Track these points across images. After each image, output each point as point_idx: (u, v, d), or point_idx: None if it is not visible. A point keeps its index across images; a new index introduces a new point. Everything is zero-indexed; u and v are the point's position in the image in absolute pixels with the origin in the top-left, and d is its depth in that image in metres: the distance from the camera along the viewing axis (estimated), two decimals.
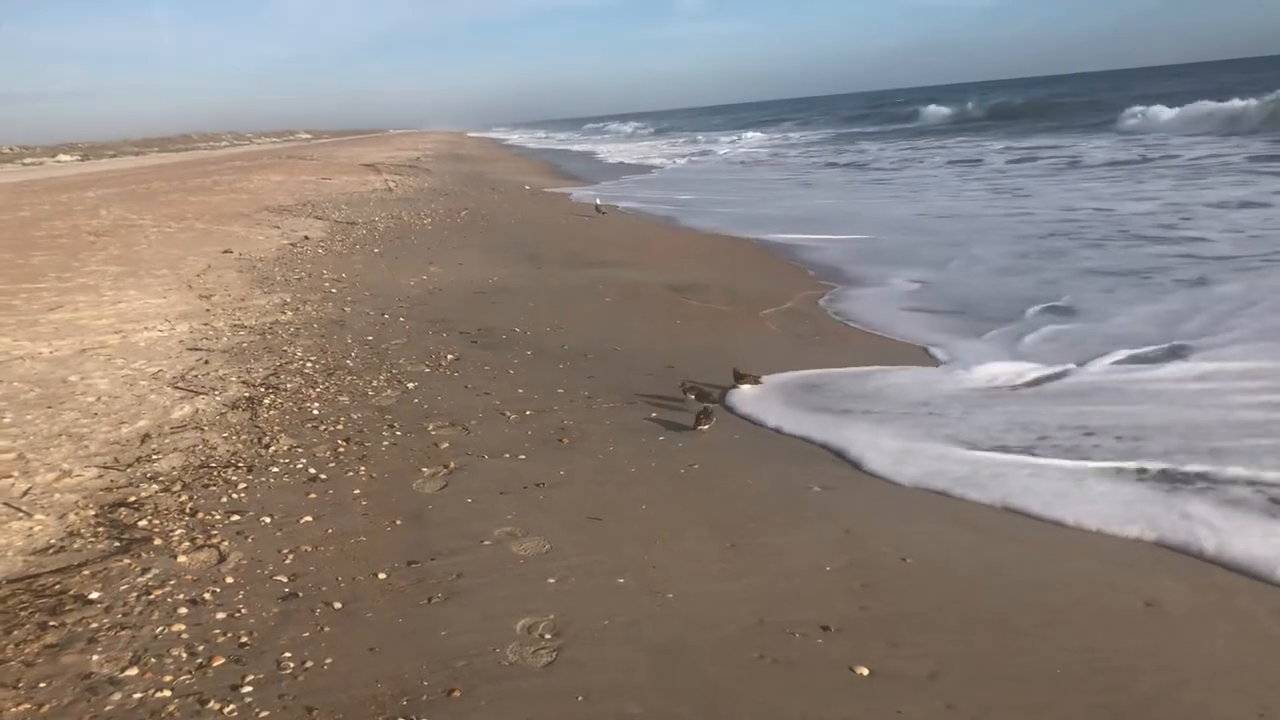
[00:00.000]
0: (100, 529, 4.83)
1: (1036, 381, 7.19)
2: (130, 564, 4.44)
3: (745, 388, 7.06)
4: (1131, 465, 5.45)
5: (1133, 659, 3.59)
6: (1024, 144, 35.48)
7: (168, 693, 3.45)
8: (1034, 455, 5.67)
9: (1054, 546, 4.58)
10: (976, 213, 18.06)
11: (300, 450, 5.96)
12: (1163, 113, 38.49)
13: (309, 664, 3.63)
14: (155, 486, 5.38)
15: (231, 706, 3.37)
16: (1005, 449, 5.79)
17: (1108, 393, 6.80)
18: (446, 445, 6.07)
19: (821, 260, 13.45)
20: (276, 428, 6.36)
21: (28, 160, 56.81)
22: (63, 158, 59.91)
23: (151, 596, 4.14)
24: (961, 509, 5.04)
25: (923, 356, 8.22)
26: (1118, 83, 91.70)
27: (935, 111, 62.21)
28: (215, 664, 3.63)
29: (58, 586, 4.24)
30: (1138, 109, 40.31)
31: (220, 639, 3.82)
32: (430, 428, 6.40)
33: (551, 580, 4.27)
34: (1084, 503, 4.97)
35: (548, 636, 3.81)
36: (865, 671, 3.52)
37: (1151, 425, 6.05)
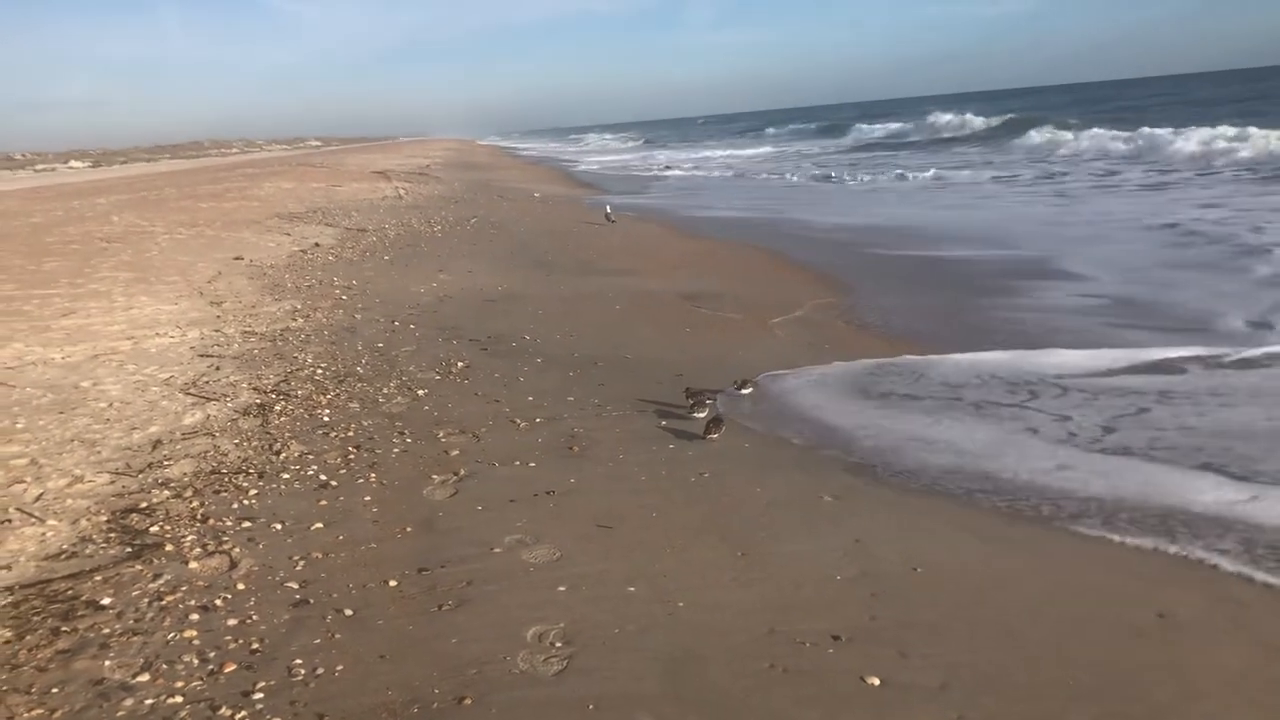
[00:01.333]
0: (112, 535, 4.84)
1: None
2: (142, 570, 4.45)
3: (746, 391, 7.26)
4: None
5: (1145, 670, 3.58)
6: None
7: (179, 699, 3.45)
8: None
9: (1065, 556, 4.57)
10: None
11: (311, 457, 5.98)
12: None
13: (320, 671, 3.64)
14: (167, 492, 5.40)
15: (243, 713, 3.37)
16: None
17: None
18: (457, 453, 6.08)
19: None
20: (287, 434, 6.38)
21: (40, 167, 57.05)
22: (75, 164, 60.16)
23: (163, 602, 4.15)
24: (972, 519, 5.03)
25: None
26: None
27: (960, 120, 60.81)
28: (226, 670, 3.64)
29: (70, 592, 4.25)
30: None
31: (231, 645, 3.82)
32: (440, 435, 6.41)
33: (562, 588, 4.27)
34: None
35: (558, 645, 3.81)
36: (876, 681, 3.51)
37: None
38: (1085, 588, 4.24)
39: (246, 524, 4.99)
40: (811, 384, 7.57)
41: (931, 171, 31.91)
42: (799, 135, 78.79)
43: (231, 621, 4.01)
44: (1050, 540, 4.75)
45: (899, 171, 33.26)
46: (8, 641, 3.84)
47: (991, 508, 5.17)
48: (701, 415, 6.52)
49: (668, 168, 45.68)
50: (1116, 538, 4.72)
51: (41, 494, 5.33)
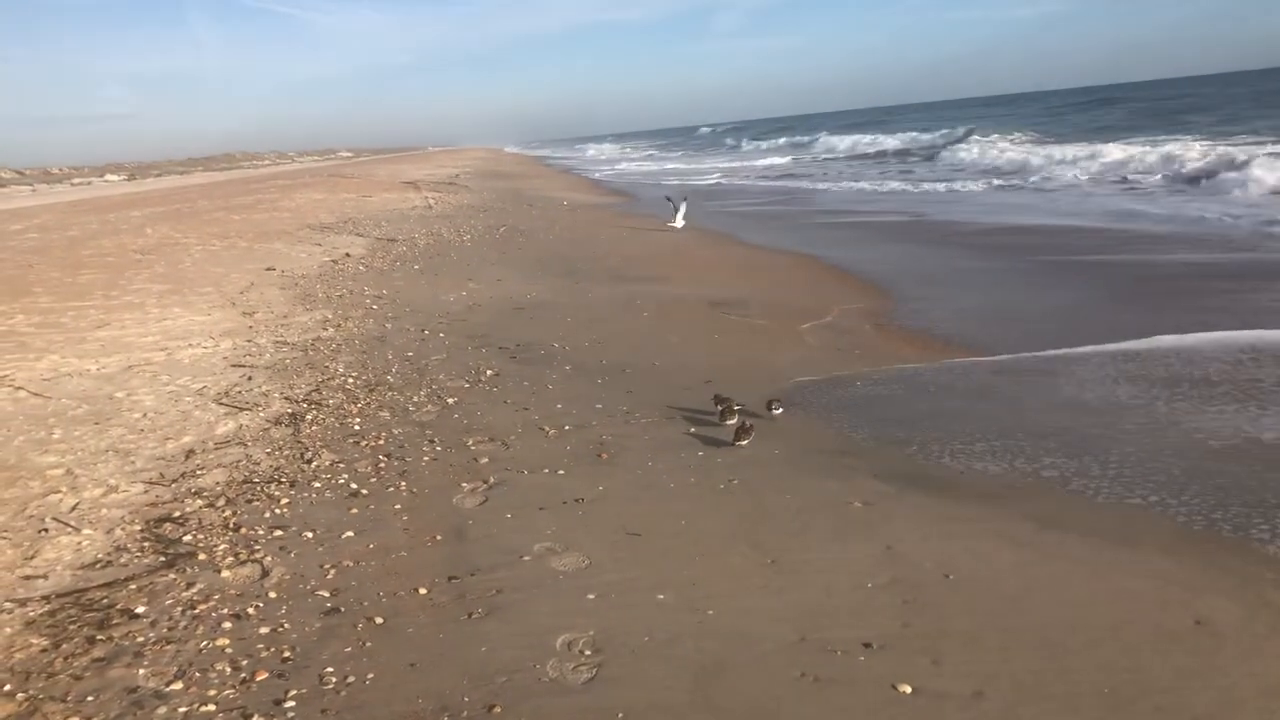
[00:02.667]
0: (146, 544, 4.89)
1: None
2: (175, 579, 4.49)
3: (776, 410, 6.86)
4: None
5: (1183, 678, 3.52)
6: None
7: (212, 707, 3.48)
8: None
9: (1100, 562, 4.50)
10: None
11: (342, 465, 6.01)
12: None
13: (351, 679, 3.65)
14: (200, 502, 5.44)
15: None
16: None
17: None
18: (486, 460, 6.09)
19: None
20: (319, 443, 6.42)
21: (76, 180, 57.88)
22: (110, 178, 60.99)
23: (196, 611, 4.18)
24: (1004, 524, 4.97)
25: None
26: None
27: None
28: (259, 679, 3.66)
29: (105, 601, 4.30)
30: None
31: (264, 653, 3.85)
32: (470, 443, 6.43)
33: (591, 596, 4.26)
34: None
35: (587, 653, 3.80)
36: (908, 690, 3.48)
37: None
38: (1120, 594, 4.18)
39: (278, 532, 5.02)
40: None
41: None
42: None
43: (263, 630, 4.03)
44: (1084, 546, 4.67)
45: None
46: (44, 650, 3.89)
47: (1023, 513, 5.11)
48: (731, 422, 6.49)
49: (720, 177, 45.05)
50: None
51: (77, 503, 5.39)
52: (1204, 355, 7.93)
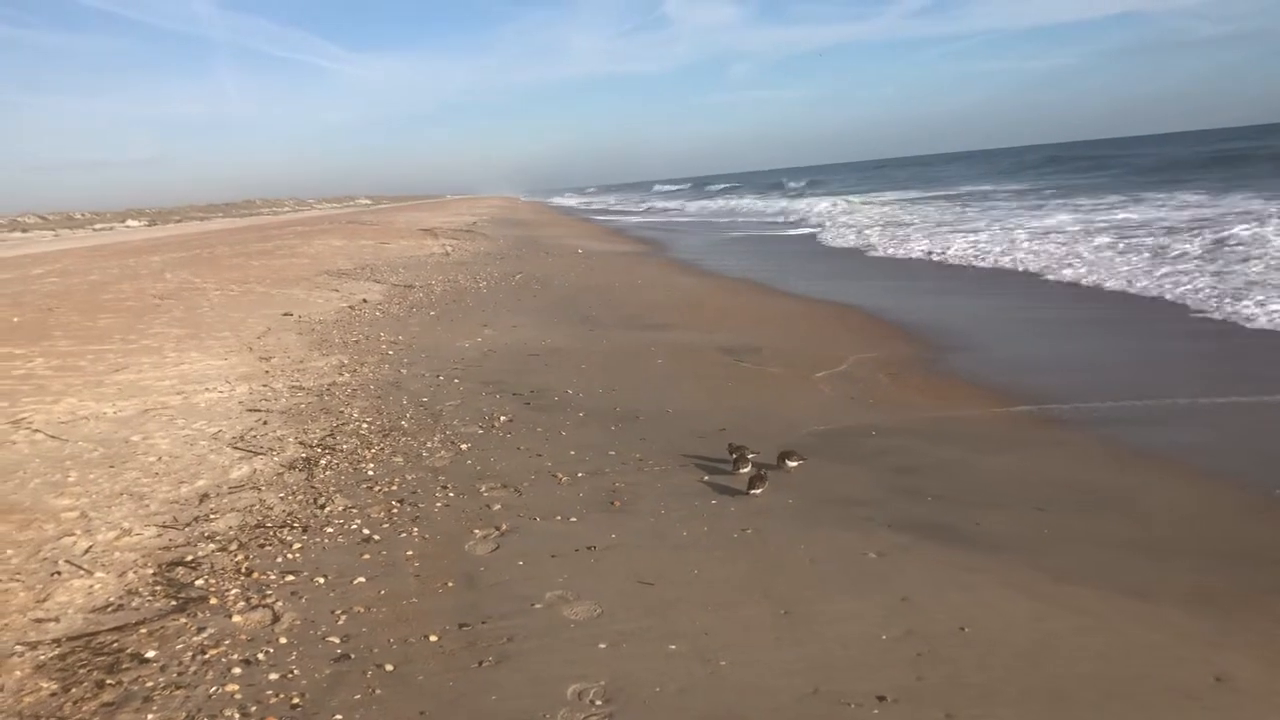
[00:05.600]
0: (158, 588, 4.89)
1: None
2: (186, 623, 4.48)
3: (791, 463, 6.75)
4: None
5: None
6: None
7: None
8: None
9: (1115, 616, 4.45)
10: None
11: (355, 511, 6.01)
12: None
13: None
14: (212, 546, 5.44)
15: None
16: None
17: None
18: (499, 507, 6.08)
19: None
20: (332, 488, 6.43)
21: (99, 226, 58.68)
22: (131, 223, 61.81)
23: (206, 656, 4.17)
24: (1020, 577, 4.92)
25: None
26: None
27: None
28: None
29: (116, 644, 4.29)
30: None
31: (273, 700, 3.82)
32: (483, 489, 6.42)
33: (602, 645, 4.23)
34: None
35: (598, 703, 3.76)
36: None
37: None
38: (1137, 648, 4.12)
39: (290, 577, 5.01)
40: None
41: None
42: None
43: (273, 676, 4.01)
44: (1099, 599, 4.62)
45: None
46: (54, 694, 3.88)
47: (1038, 565, 5.06)
48: (744, 471, 6.47)
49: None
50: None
51: (90, 546, 5.40)
52: None
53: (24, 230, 54.54)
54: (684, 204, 76.33)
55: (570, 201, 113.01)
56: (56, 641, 4.33)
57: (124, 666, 4.09)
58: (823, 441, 7.52)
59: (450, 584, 4.93)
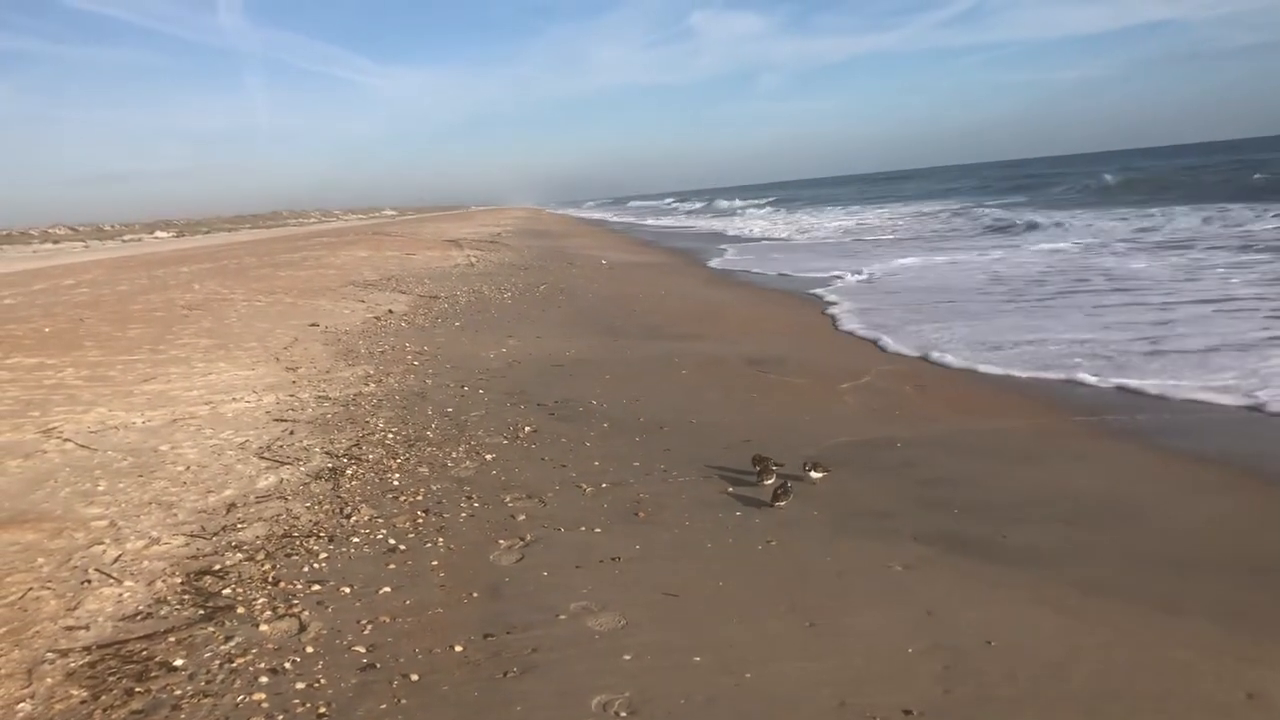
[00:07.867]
0: (186, 596, 4.92)
1: None
2: (214, 632, 4.51)
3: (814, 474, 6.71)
4: None
5: None
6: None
7: None
8: None
9: (1144, 630, 4.40)
10: None
11: (380, 521, 6.04)
12: None
13: None
14: (239, 555, 5.48)
15: None
16: None
17: None
18: (523, 518, 6.09)
19: None
20: (358, 498, 6.46)
21: (128, 237, 59.34)
22: (160, 234, 62.47)
23: (234, 665, 4.20)
24: (1048, 590, 4.87)
25: None
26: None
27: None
28: None
29: (144, 653, 4.32)
30: None
31: (299, 709, 3.84)
32: (507, 500, 6.44)
33: (627, 657, 4.22)
34: None
35: (623, 714, 3.75)
36: None
37: None
38: (1167, 664, 4.07)
39: (316, 587, 5.04)
40: None
41: None
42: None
43: (300, 685, 4.03)
44: (1129, 613, 4.58)
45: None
46: (84, 701, 3.91)
47: (1066, 578, 5.01)
48: (769, 482, 6.45)
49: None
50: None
51: (120, 555, 5.45)
52: None
53: (55, 242, 55.25)
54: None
55: (595, 214, 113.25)
56: (87, 649, 4.36)
57: (153, 674, 4.12)
58: (848, 453, 7.49)
59: (475, 594, 4.94)
